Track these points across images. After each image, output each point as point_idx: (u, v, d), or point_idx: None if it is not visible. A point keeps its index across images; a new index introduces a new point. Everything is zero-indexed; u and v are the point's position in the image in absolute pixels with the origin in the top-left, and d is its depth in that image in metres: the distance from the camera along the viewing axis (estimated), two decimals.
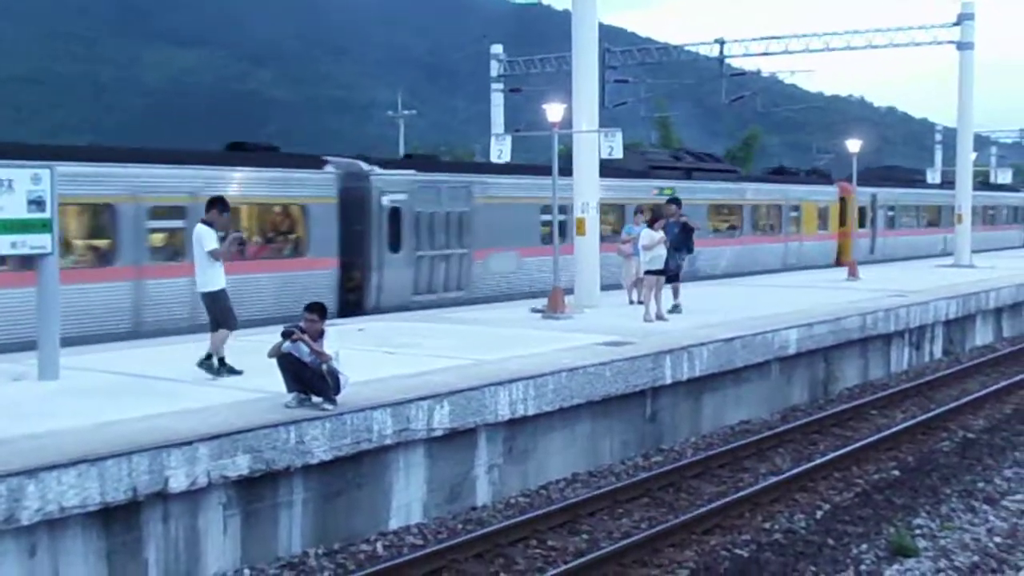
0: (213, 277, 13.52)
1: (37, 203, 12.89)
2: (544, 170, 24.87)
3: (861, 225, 41.50)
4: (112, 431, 10.17)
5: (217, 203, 13.93)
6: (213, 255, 13.40)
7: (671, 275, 20.57)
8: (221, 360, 13.51)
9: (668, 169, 34.84)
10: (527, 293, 25.43)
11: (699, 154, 40.37)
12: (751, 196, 37.41)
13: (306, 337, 11.38)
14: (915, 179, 55.21)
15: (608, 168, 24.14)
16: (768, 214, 38.78)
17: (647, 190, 31.00)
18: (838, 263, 40.09)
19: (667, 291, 20.60)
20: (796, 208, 40.11)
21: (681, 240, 20.84)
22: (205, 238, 13.43)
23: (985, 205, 55.91)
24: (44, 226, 12.99)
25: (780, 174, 44.02)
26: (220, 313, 13.61)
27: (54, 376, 13.18)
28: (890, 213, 47.20)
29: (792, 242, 39.58)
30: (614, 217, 29.38)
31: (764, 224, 38.50)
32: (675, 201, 21.88)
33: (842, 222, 41.99)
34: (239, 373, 13.34)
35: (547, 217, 25.86)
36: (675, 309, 20.73)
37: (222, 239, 13.75)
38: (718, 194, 35.83)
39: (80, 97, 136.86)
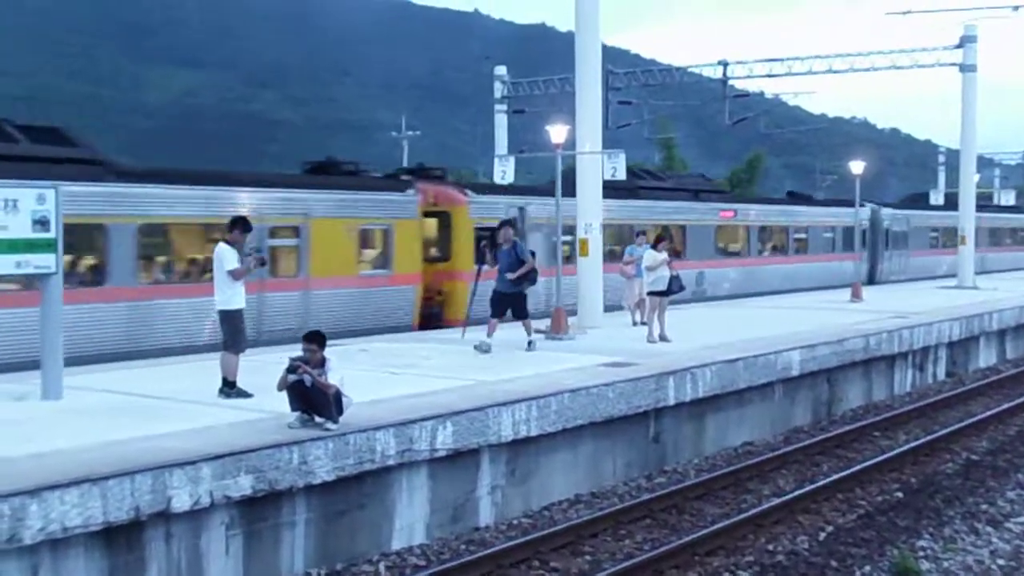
0: (232, 297, 13.60)
1: (42, 223, 12.92)
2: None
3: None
4: (115, 451, 10.18)
5: (240, 223, 13.97)
6: (233, 275, 13.47)
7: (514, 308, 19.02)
8: (232, 383, 13.51)
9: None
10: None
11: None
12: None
13: (310, 369, 11.40)
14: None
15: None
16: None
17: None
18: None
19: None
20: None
21: (510, 266, 18.52)
22: (226, 258, 13.49)
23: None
24: (49, 246, 13.03)
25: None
26: (232, 333, 13.66)
27: (58, 396, 13.18)
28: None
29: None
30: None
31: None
32: (509, 224, 19.57)
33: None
34: (249, 396, 13.33)
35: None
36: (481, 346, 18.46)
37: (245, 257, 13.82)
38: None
39: (82, 117, 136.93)
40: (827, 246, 42.05)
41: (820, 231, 41.90)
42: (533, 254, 19.41)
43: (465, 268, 24.92)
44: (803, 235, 40.99)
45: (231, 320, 13.67)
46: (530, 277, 18.67)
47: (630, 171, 26.83)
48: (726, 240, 36.79)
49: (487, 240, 17.62)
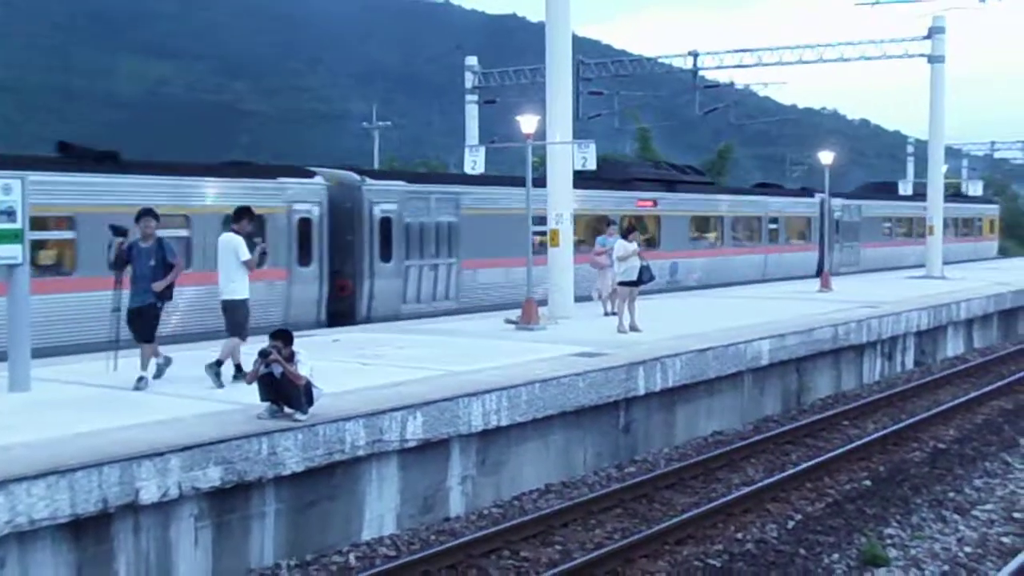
0: (241, 286, 13.94)
1: (8, 213, 12.82)
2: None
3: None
4: (83, 443, 10.11)
5: (247, 213, 14.31)
6: (248, 265, 13.86)
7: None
8: (238, 367, 13.70)
9: None
10: (517, 303, 24.99)
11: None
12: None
13: (282, 360, 11.37)
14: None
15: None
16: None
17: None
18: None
19: None
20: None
21: (156, 272, 13.61)
22: (240, 248, 13.83)
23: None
24: (15, 237, 12.93)
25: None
26: (239, 322, 13.95)
27: (25, 388, 13.09)
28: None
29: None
30: None
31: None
32: (150, 213, 13.95)
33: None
34: (222, 387, 13.41)
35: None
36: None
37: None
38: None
39: (52, 108, 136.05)
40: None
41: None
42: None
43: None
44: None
45: (238, 308, 13.97)
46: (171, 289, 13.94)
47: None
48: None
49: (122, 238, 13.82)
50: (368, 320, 23.79)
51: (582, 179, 25.40)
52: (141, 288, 13.57)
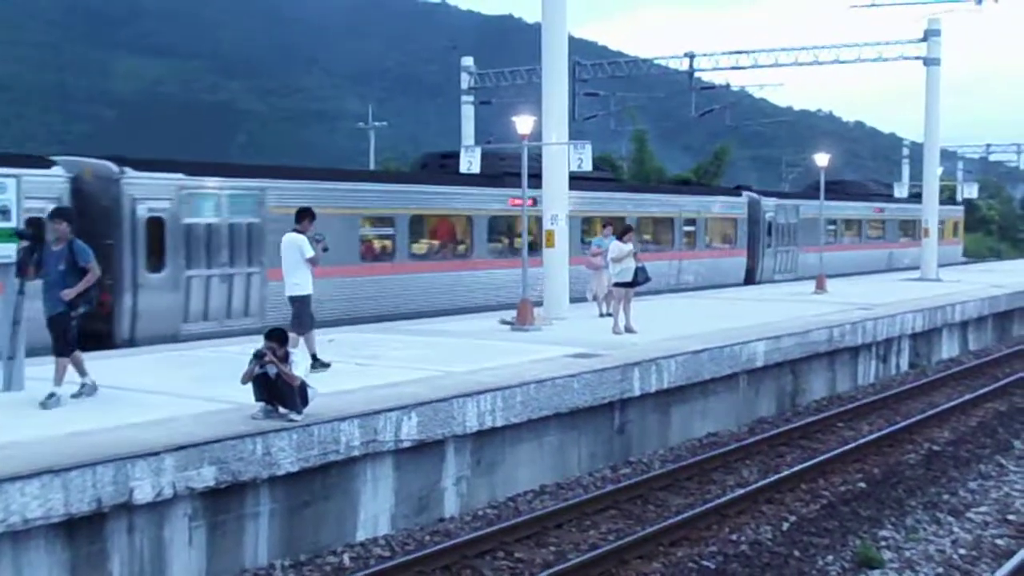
0: (305, 283, 15.02)
1: (2, 212, 12.80)
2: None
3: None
4: (78, 442, 10.10)
5: (308, 213, 15.22)
6: (313, 262, 14.92)
7: None
8: (314, 356, 14.60)
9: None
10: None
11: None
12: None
13: (277, 361, 11.36)
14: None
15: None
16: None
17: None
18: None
19: None
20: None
21: (66, 278, 12.44)
22: (304, 246, 14.89)
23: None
24: (9, 236, 12.90)
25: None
26: (307, 315, 15.05)
27: (20, 387, 13.06)
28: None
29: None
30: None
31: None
32: (62, 214, 13.15)
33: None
34: (328, 366, 14.67)
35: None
36: None
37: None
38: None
39: (48, 107, 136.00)
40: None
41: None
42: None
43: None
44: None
45: (306, 303, 15.04)
46: (89, 295, 12.61)
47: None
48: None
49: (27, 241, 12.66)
50: (131, 343, 19.96)
51: (434, 173, 25.08)
52: (51, 296, 12.35)
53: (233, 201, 22.48)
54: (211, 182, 22.49)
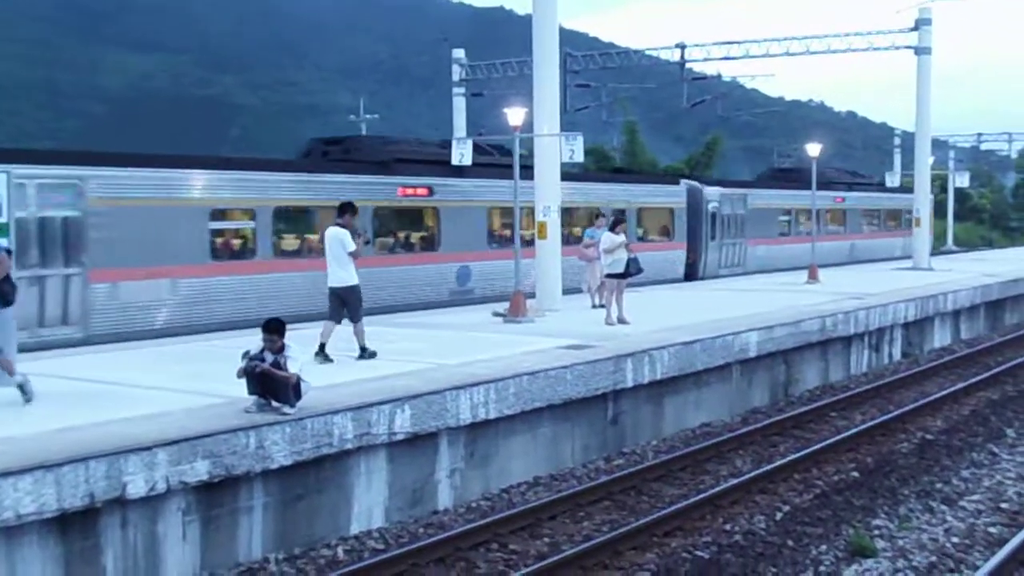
0: (351, 274, 15.45)
1: None
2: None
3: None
4: (69, 437, 10.08)
5: (350, 207, 15.80)
6: (354, 255, 15.38)
7: None
8: (363, 348, 15.41)
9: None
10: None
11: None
12: None
13: (269, 368, 11.32)
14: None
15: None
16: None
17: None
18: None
19: None
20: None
21: None
22: (345, 239, 15.35)
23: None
24: (2, 230, 12.87)
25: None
26: (357, 305, 15.54)
27: (10, 383, 13.01)
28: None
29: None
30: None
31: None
32: None
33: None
34: (374, 355, 15.37)
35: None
36: None
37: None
38: None
39: (38, 103, 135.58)
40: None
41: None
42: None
43: None
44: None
45: (355, 293, 15.53)
46: None
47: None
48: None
49: None
50: None
51: (316, 160, 24.04)
52: None
53: (43, 193, 19.22)
54: (17, 170, 16.77)
